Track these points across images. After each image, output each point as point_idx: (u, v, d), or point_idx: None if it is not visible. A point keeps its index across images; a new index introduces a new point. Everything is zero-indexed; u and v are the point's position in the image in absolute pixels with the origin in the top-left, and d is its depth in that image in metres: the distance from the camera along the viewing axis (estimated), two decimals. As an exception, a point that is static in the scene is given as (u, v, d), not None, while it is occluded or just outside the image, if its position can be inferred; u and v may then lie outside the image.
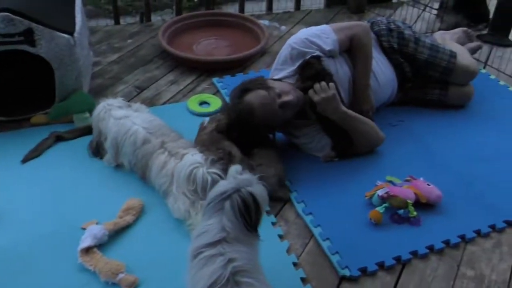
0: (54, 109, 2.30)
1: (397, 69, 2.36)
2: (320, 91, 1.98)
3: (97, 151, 2.10)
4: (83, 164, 2.08)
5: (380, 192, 1.85)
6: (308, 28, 2.22)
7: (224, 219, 1.27)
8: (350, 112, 2.06)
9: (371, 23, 2.40)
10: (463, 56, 2.44)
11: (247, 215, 1.28)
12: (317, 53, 2.10)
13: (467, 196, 1.95)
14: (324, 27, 2.20)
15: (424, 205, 1.87)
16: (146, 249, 1.71)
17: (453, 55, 2.38)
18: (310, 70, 2.05)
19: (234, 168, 1.35)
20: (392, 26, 2.37)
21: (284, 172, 1.98)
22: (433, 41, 2.45)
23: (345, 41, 2.16)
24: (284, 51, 2.17)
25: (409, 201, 1.82)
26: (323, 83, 1.98)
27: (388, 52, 2.35)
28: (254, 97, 1.95)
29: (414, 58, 2.36)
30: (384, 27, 2.36)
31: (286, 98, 1.98)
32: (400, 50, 2.35)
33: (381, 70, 2.29)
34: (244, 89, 1.99)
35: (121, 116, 2.02)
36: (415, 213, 1.82)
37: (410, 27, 2.49)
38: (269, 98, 1.95)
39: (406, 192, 1.86)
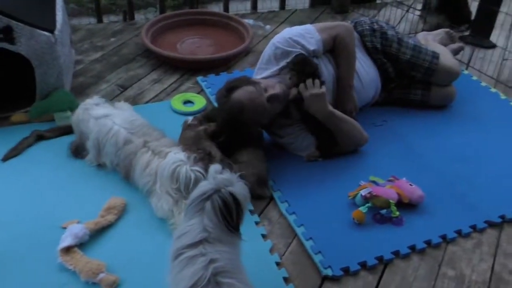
0: (34, 107, 2.27)
1: (380, 69, 2.37)
2: (311, 88, 1.98)
3: (77, 152, 2.08)
4: (64, 163, 2.05)
5: (363, 192, 1.86)
6: (292, 28, 2.22)
7: (205, 220, 1.27)
8: (336, 112, 2.06)
9: (355, 23, 2.41)
10: (446, 57, 2.47)
11: (228, 215, 1.27)
12: (301, 51, 2.10)
13: (448, 196, 1.97)
14: (308, 26, 2.20)
15: (406, 205, 1.88)
16: (127, 248, 1.70)
17: (435, 56, 2.40)
18: (309, 67, 2.04)
19: (214, 168, 1.34)
20: (376, 26, 2.38)
21: (266, 171, 1.98)
22: (416, 42, 2.46)
23: (329, 41, 2.17)
24: (268, 50, 2.17)
25: (391, 201, 1.83)
26: (317, 81, 1.99)
27: (371, 52, 2.36)
28: (242, 93, 1.95)
29: (397, 58, 2.37)
30: (367, 27, 2.37)
31: (273, 91, 1.98)
32: (383, 50, 2.36)
33: (365, 70, 2.30)
34: (230, 88, 1.98)
35: (101, 115, 1.99)
36: (397, 213, 1.83)
37: (393, 27, 2.51)
38: (256, 93, 1.95)
39: (388, 192, 1.87)
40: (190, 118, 2.10)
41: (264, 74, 2.14)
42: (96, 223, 1.74)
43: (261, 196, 1.94)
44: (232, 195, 1.28)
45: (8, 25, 2.06)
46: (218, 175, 1.31)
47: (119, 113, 2.02)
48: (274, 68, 2.12)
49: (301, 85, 2.00)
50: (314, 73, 2.03)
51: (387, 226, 1.82)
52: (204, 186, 1.30)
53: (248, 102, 1.94)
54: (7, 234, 1.72)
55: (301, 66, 2.04)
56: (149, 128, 1.99)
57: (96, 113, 2.01)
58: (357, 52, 2.27)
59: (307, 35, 2.15)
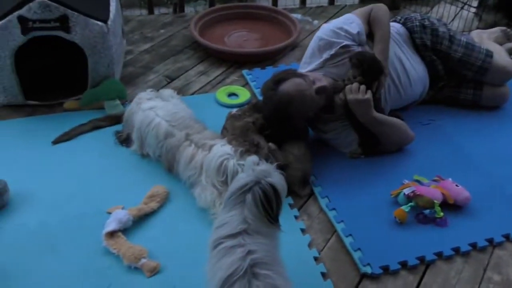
0: (86, 95, 2.34)
1: (429, 67, 2.31)
2: (357, 92, 1.95)
3: (124, 141, 2.13)
4: (111, 151, 2.11)
5: (406, 191, 1.82)
6: (333, 21, 2.22)
7: (245, 211, 1.27)
8: (379, 117, 2.01)
9: (405, 19, 2.35)
10: (500, 56, 2.37)
11: (269, 206, 1.28)
12: (345, 42, 2.07)
13: (497, 199, 1.91)
14: (347, 15, 2.22)
15: (452, 206, 1.83)
16: (169, 236, 1.73)
17: (489, 54, 2.31)
18: (377, 66, 2.00)
19: (251, 159, 1.35)
20: (426, 22, 2.31)
21: (311, 170, 1.97)
22: (468, 39, 2.38)
23: (367, 19, 2.17)
24: (312, 43, 2.17)
25: (435, 201, 1.79)
26: (363, 86, 1.95)
27: (420, 49, 2.30)
28: (290, 85, 1.94)
29: (447, 56, 2.30)
30: (417, 24, 2.31)
31: (320, 83, 1.97)
32: (433, 47, 2.29)
33: (413, 66, 2.24)
34: (278, 80, 1.97)
35: (147, 108, 2.03)
36: (441, 213, 1.78)
37: (445, 24, 2.43)
38: (305, 85, 1.94)
39: (433, 192, 1.83)
40: (234, 110, 2.11)
41: (308, 68, 2.13)
42: (140, 209, 1.78)
43: (298, 194, 1.93)
44: (272, 186, 1.28)
45: (64, 14, 2.13)
46: (257, 167, 1.32)
47: (163, 106, 2.05)
48: (318, 61, 2.11)
49: (348, 87, 1.96)
50: (378, 74, 2.00)
51: (430, 226, 1.78)
52: (244, 178, 1.31)
53: (297, 94, 1.92)
54: (56, 217, 1.79)
55: (368, 65, 1.99)
56: (191, 121, 2.02)
57: (144, 106, 2.05)
58: (405, 48, 2.23)
59: (347, 21, 2.14)
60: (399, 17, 2.41)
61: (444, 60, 2.31)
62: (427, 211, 1.79)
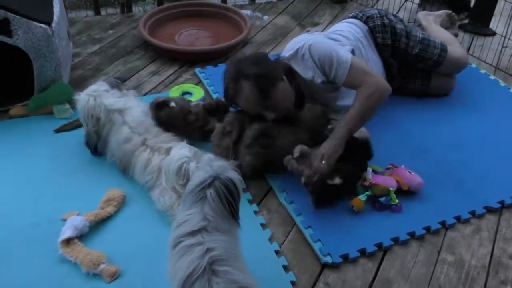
0: (33, 100, 2.27)
1: (385, 67, 2.35)
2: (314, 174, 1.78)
3: (96, 145, 2.04)
4: (63, 156, 2.05)
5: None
6: (336, 46, 2.06)
7: (205, 208, 1.27)
8: (345, 132, 1.85)
9: (366, 17, 2.33)
10: (454, 47, 2.44)
11: (232, 199, 1.29)
12: (312, 76, 2.05)
13: (447, 183, 1.97)
14: (347, 59, 1.99)
15: (405, 192, 1.88)
16: (127, 240, 1.70)
17: (444, 48, 2.37)
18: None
19: (207, 157, 1.35)
20: (386, 21, 2.31)
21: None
22: (424, 35, 2.40)
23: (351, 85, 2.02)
24: (303, 48, 2.05)
25: (391, 189, 1.83)
26: (314, 169, 1.78)
27: (380, 48, 2.32)
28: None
29: (405, 52, 2.34)
30: (379, 23, 2.30)
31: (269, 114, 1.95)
32: (392, 45, 2.32)
33: (371, 67, 2.25)
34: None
35: (114, 108, 1.97)
36: (396, 200, 1.83)
37: (402, 20, 2.44)
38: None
39: (388, 180, 1.87)
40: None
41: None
42: (96, 214, 1.74)
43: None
44: (231, 180, 1.29)
45: (5, 18, 2.05)
46: (214, 163, 1.32)
47: (131, 110, 1.99)
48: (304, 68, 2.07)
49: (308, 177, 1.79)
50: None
51: (385, 213, 1.83)
52: (202, 175, 1.30)
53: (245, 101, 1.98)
54: (6, 228, 1.72)
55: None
56: (150, 125, 1.99)
57: (109, 103, 1.97)
58: (368, 48, 2.25)
59: (336, 65, 1.99)
60: (360, 14, 2.37)
61: (401, 56, 2.35)
62: (382, 199, 1.83)
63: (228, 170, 1.31)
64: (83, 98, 1.99)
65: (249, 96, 1.93)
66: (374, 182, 1.85)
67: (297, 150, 1.83)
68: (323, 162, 1.77)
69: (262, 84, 1.90)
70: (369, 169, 1.91)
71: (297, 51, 2.07)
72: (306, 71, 2.06)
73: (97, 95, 2.00)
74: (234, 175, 1.31)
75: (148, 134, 1.93)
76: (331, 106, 2.16)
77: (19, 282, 1.54)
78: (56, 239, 1.63)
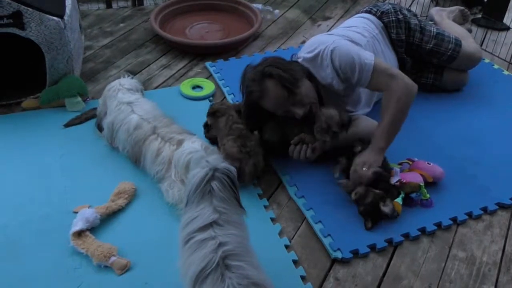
0: (45, 93, 2.28)
1: (399, 62, 2.33)
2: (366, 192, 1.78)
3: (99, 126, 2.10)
4: (75, 148, 2.06)
5: (393, 181, 1.82)
6: (358, 50, 1.98)
7: (214, 200, 1.27)
8: (383, 144, 1.87)
9: (381, 13, 2.30)
10: (468, 42, 2.41)
11: (235, 188, 1.31)
12: (331, 81, 2.00)
13: (459, 179, 1.96)
14: (370, 63, 1.91)
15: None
16: (138, 232, 1.71)
17: (458, 43, 2.35)
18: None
19: (199, 155, 1.35)
20: (400, 16, 2.29)
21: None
22: (438, 30, 2.38)
23: (376, 89, 2.02)
24: (323, 53, 1.98)
25: (421, 184, 1.82)
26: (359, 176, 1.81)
27: (395, 43, 2.30)
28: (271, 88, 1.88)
29: (419, 47, 2.32)
30: (393, 19, 2.27)
31: (298, 110, 1.92)
32: (406, 40, 2.30)
33: (386, 62, 2.22)
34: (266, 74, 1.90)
35: (124, 101, 2.00)
36: (428, 195, 1.82)
37: (416, 15, 2.42)
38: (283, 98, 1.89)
39: (415, 176, 1.85)
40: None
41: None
42: (107, 207, 1.75)
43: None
44: (228, 169, 1.31)
45: (18, 10, 2.06)
46: (209, 157, 1.34)
47: (142, 103, 2.02)
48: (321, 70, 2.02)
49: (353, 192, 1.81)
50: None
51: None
52: (201, 170, 1.30)
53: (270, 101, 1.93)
54: (19, 220, 1.74)
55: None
56: (159, 115, 1.99)
57: (122, 97, 2.02)
58: (383, 44, 2.23)
59: (359, 68, 1.92)
60: (374, 9, 2.34)
61: (415, 51, 2.33)
62: (413, 195, 1.82)
63: (221, 161, 1.33)
64: (111, 84, 2.11)
65: (276, 94, 1.88)
66: (404, 181, 1.82)
67: (337, 170, 1.92)
68: (365, 169, 1.79)
69: (287, 80, 1.88)
70: (397, 169, 1.88)
71: (316, 55, 2.00)
72: (324, 77, 2.02)
73: (119, 89, 2.06)
74: (227, 165, 1.33)
75: (158, 122, 1.94)
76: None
77: (30, 273, 1.56)
78: (67, 231, 1.64)
